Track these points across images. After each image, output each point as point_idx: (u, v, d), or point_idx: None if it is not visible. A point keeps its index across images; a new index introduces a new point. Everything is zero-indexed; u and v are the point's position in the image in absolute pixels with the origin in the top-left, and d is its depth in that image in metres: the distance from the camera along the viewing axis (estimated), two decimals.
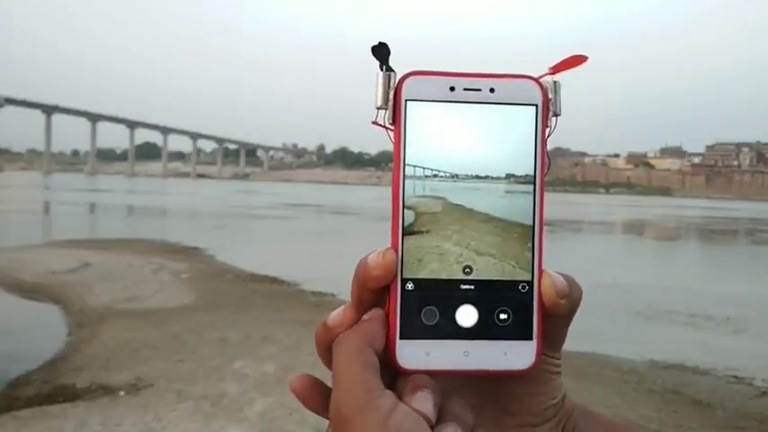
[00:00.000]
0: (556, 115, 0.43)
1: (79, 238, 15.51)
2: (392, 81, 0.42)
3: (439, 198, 0.42)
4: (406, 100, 0.42)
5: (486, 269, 0.41)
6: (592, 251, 20.23)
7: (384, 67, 0.42)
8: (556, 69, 0.43)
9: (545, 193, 0.42)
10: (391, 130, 0.42)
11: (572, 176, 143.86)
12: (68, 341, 6.79)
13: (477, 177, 0.42)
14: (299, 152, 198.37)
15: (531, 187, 0.42)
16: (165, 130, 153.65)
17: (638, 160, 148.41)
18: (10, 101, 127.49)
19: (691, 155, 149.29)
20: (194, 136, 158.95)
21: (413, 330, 0.41)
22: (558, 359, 0.44)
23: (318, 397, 0.42)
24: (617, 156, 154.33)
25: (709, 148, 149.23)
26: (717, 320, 9.06)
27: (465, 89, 0.42)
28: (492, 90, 0.42)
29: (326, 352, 0.41)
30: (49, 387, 5.13)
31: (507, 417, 0.42)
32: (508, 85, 0.42)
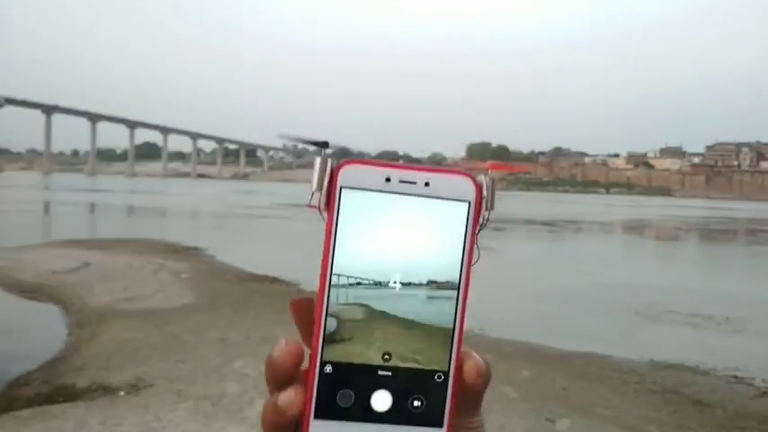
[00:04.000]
0: (488, 210, 0.44)
1: (79, 239, 15.51)
2: (328, 166, 0.43)
3: (362, 305, 0.42)
4: (341, 187, 0.42)
5: (405, 358, 0.42)
6: (592, 251, 20.23)
7: (323, 152, 0.43)
8: (494, 167, 0.45)
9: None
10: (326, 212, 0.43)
11: (572, 176, 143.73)
12: (68, 341, 6.79)
13: (402, 284, 0.42)
14: (299, 152, 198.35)
15: (454, 293, 0.43)
16: (165, 130, 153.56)
17: (638, 160, 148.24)
18: (10, 101, 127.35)
19: (691, 155, 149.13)
20: (194, 136, 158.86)
21: (327, 411, 0.42)
22: (478, 417, 0.46)
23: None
24: (617, 156, 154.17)
25: (709, 148, 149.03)
26: (717, 320, 9.06)
27: (401, 181, 0.42)
28: (427, 184, 0.43)
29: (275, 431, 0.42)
30: (49, 387, 5.13)
31: None
32: (443, 180, 0.43)
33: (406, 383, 0.42)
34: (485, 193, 0.43)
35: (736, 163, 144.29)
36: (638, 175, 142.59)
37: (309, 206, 0.43)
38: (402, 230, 0.42)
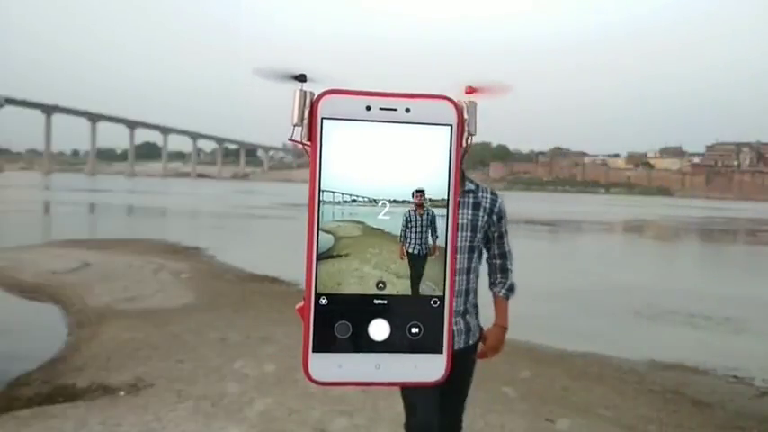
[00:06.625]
0: (470, 135, 0.43)
1: (79, 239, 15.50)
2: (307, 99, 0.42)
3: (358, 222, 0.42)
4: (322, 118, 0.42)
5: (400, 285, 0.42)
6: (592, 251, 20.22)
7: (301, 86, 0.43)
8: (472, 90, 0.44)
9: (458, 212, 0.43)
10: (308, 146, 0.43)
11: (572, 176, 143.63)
12: (68, 341, 6.78)
13: (395, 202, 0.42)
14: (299, 152, 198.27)
15: (444, 210, 0.42)
16: (165, 130, 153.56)
17: (638, 160, 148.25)
18: (10, 101, 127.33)
19: (691, 155, 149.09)
20: (194, 136, 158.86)
21: (326, 344, 0.41)
22: None
23: None
24: (617, 156, 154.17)
25: (710, 148, 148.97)
26: (717, 320, 9.05)
27: (381, 108, 0.42)
28: (408, 110, 0.42)
29: None
30: (49, 387, 5.12)
31: None
32: (424, 105, 0.43)
33: (402, 311, 0.42)
34: (466, 116, 0.43)
35: (736, 163, 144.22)
36: (638, 176, 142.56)
37: (291, 141, 0.43)
38: (388, 156, 0.42)
